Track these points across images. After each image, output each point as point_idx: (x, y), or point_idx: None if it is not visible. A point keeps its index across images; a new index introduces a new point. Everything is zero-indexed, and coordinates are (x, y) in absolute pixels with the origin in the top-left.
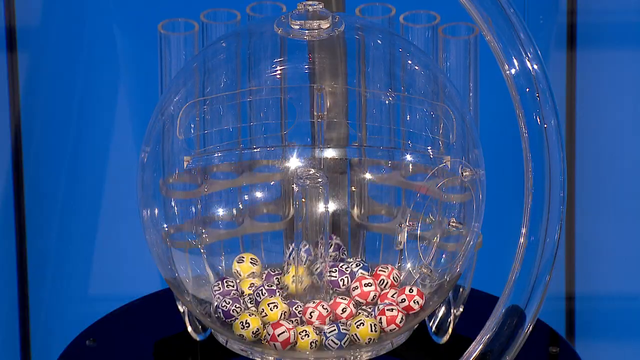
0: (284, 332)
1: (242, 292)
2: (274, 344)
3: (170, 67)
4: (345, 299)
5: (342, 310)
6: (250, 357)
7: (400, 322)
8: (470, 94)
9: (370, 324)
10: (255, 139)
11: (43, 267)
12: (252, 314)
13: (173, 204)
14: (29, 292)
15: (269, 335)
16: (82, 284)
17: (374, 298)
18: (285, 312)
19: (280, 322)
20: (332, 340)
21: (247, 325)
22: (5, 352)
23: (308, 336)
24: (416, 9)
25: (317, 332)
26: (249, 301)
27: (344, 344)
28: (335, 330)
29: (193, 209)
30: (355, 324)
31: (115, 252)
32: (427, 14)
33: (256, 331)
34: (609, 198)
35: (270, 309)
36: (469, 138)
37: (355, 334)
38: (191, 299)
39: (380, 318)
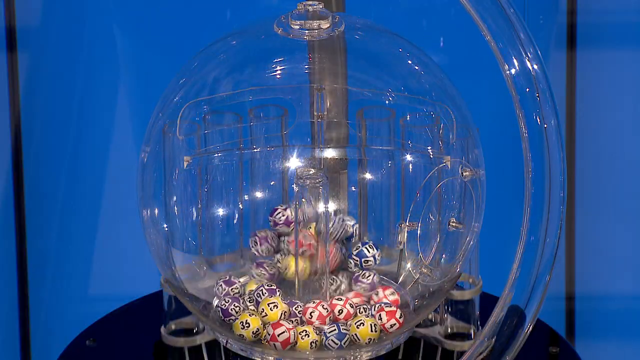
0: (284, 332)
1: (243, 292)
2: (274, 344)
3: (174, 171)
4: (341, 299)
5: (339, 312)
6: (250, 357)
7: (400, 317)
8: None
9: (371, 324)
10: (255, 139)
11: (43, 267)
12: (252, 314)
13: (173, 204)
14: (29, 292)
15: (269, 335)
16: (82, 284)
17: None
18: (285, 311)
19: (281, 322)
20: (332, 340)
21: (247, 325)
22: (5, 352)
23: (308, 336)
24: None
25: (317, 332)
26: (249, 301)
27: (344, 344)
28: (335, 330)
29: (193, 209)
30: (355, 324)
31: (115, 252)
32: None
33: (256, 331)
34: (609, 198)
35: (270, 308)
36: (469, 138)
37: (356, 334)
38: (190, 299)
39: (380, 314)
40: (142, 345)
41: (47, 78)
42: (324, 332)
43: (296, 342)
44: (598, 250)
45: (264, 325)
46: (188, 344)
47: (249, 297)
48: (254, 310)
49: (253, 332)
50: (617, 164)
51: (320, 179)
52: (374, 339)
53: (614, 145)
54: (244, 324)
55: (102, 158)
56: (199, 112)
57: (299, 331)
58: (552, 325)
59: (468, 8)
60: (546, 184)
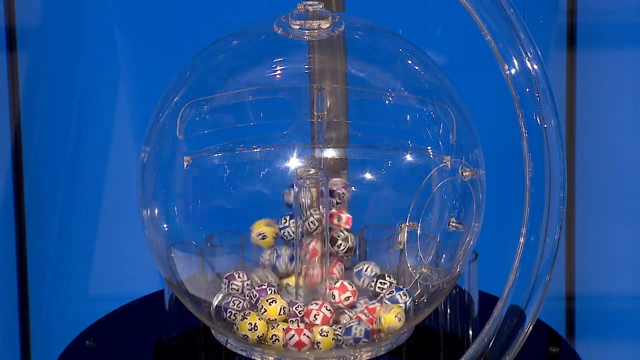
0: (293, 335)
1: (243, 293)
2: (278, 340)
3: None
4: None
5: (346, 298)
6: (251, 357)
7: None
8: None
9: (397, 312)
10: (255, 139)
11: (43, 267)
12: (261, 319)
13: (173, 204)
14: (29, 292)
15: (284, 330)
16: (82, 284)
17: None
18: (284, 307)
19: (299, 325)
20: (357, 330)
21: (255, 328)
22: (5, 352)
23: (327, 336)
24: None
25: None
26: (249, 302)
27: (363, 340)
28: (363, 330)
29: (193, 209)
30: (382, 309)
31: (115, 252)
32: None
33: (261, 336)
34: (609, 198)
35: (269, 303)
36: (469, 138)
37: (380, 318)
38: (190, 299)
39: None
40: (142, 345)
41: (47, 78)
42: (348, 323)
43: (313, 343)
44: (598, 250)
45: (271, 328)
46: None
47: (247, 296)
48: (259, 313)
49: (258, 336)
50: (617, 164)
51: (321, 179)
52: (395, 328)
53: (614, 145)
54: (252, 326)
55: (102, 158)
56: (199, 112)
57: (327, 330)
58: (552, 325)
59: (468, 8)
60: (546, 184)
